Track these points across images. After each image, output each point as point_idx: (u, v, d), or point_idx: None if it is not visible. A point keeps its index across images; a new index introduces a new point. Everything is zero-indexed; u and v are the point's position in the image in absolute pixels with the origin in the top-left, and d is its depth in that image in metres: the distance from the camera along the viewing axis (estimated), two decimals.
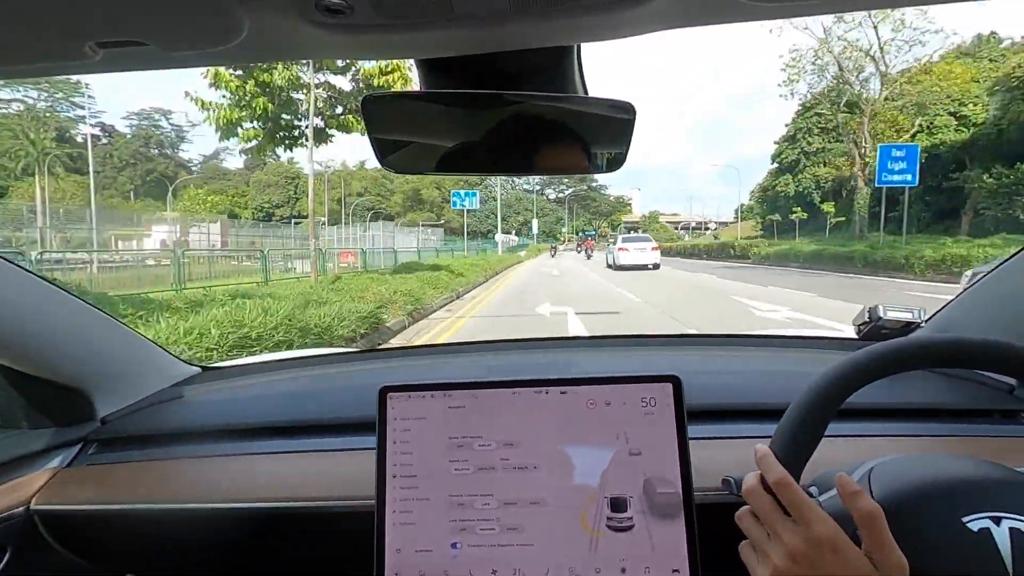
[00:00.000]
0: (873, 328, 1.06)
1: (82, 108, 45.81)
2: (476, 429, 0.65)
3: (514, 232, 61.86)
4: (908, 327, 1.03)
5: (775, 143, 43.18)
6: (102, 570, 0.85)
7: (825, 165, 38.65)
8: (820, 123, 38.32)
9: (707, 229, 74.61)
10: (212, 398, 1.07)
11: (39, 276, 0.85)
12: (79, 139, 46.99)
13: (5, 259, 0.80)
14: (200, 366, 1.16)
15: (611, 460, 0.62)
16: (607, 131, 0.66)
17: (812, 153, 39.57)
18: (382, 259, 17.50)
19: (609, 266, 20.67)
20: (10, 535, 0.78)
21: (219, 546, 0.79)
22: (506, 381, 0.66)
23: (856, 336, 1.12)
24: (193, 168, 66.77)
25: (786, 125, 42.16)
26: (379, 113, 0.63)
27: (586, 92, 0.64)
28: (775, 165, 43.81)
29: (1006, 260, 0.92)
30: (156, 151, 62.96)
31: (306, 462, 0.84)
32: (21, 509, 0.80)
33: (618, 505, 0.61)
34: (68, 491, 0.83)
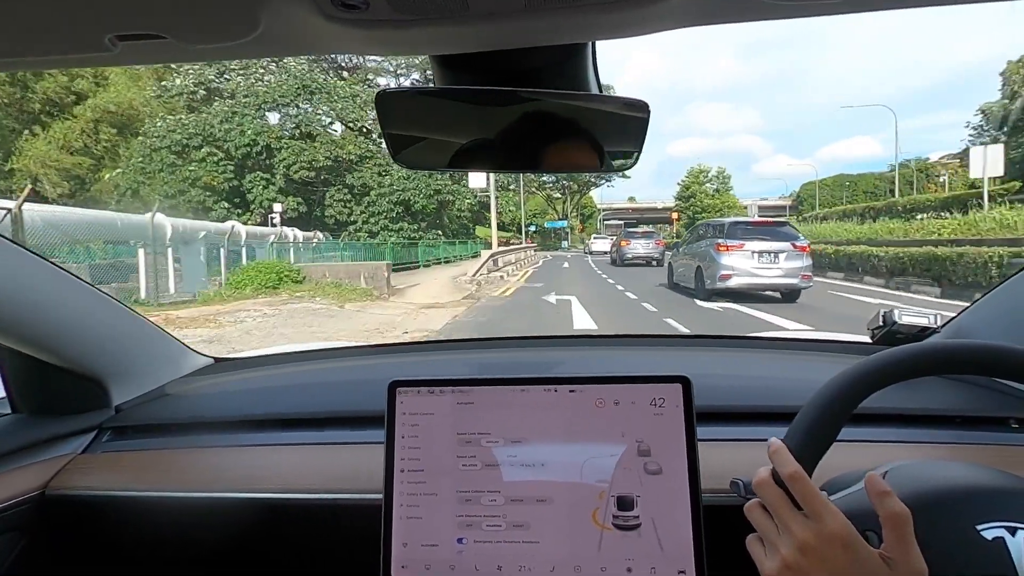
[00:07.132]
0: (887, 333, 1.05)
1: None
2: (484, 426, 0.65)
3: (368, 222, 24.62)
4: (923, 332, 1.02)
5: None
6: (113, 554, 0.87)
7: None
8: None
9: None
10: (224, 389, 1.08)
11: (57, 265, 0.86)
12: None
13: (25, 248, 0.81)
14: (213, 357, 1.17)
15: (619, 460, 0.62)
16: (621, 129, 0.65)
17: None
18: None
19: (586, 252, 35.04)
20: (25, 518, 0.80)
21: (228, 534, 0.80)
22: (515, 379, 0.66)
23: (870, 341, 1.11)
24: None
25: None
26: (393, 109, 0.63)
27: (600, 90, 0.64)
28: None
29: None
30: None
31: (315, 454, 0.85)
32: (37, 493, 0.81)
33: (625, 504, 0.61)
34: (83, 477, 0.85)
